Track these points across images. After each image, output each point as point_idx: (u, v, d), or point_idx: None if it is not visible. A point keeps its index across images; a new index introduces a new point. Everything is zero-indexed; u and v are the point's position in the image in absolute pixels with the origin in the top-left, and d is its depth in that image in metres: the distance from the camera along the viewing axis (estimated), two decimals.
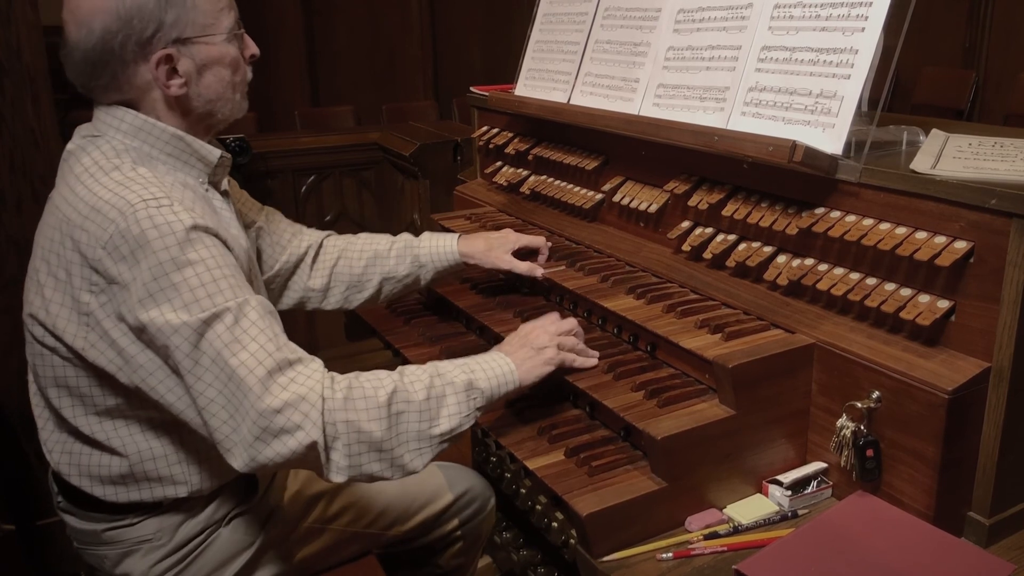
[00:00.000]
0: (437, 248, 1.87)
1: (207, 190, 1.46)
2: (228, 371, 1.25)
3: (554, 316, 1.57)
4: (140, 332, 1.28)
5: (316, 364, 1.33)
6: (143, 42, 1.33)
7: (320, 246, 1.88)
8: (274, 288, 1.86)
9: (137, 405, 1.37)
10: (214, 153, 1.46)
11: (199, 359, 1.26)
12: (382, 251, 1.88)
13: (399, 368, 1.40)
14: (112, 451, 1.41)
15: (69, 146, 1.42)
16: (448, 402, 1.36)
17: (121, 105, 1.39)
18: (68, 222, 1.31)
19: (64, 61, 1.37)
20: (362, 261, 1.87)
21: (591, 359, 1.54)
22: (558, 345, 1.50)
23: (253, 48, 1.50)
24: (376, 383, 1.34)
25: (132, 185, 1.30)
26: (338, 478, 1.31)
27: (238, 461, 1.28)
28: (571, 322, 1.56)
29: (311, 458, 1.29)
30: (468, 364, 1.43)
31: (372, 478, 1.34)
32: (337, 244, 1.90)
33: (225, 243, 1.35)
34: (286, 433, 1.25)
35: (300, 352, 1.33)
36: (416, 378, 1.37)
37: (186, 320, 1.25)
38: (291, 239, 1.84)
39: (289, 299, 1.88)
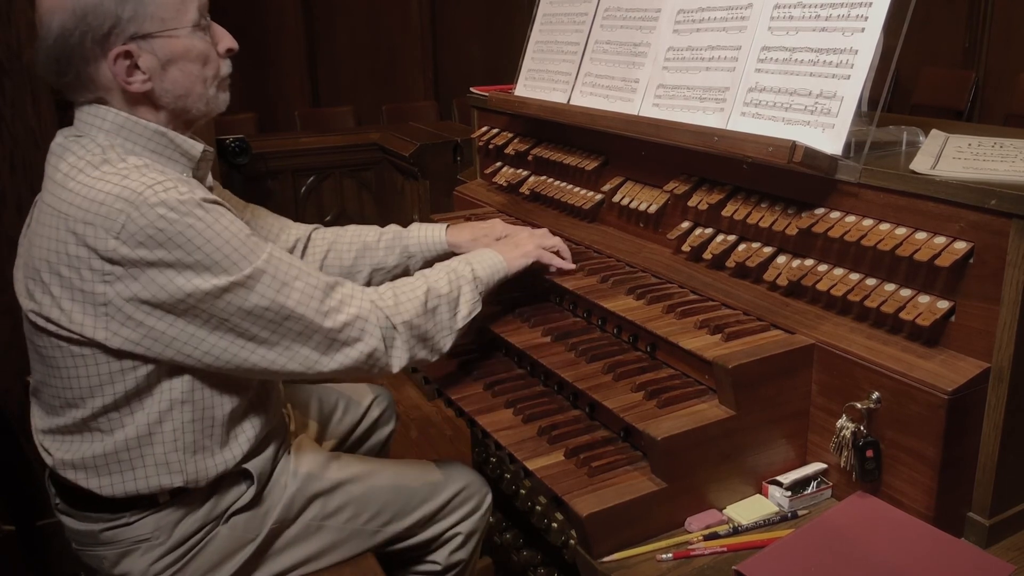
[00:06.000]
0: (426, 239, 1.91)
1: None
2: (285, 312, 1.39)
3: (541, 230, 1.85)
4: (175, 305, 1.33)
5: (350, 283, 1.52)
6: (100, 39, 1.32)
7: (308, 239, 1.90)
8: None
9: (147, 387, 1.39)
10: (197, 147, 1.46)
11: (252, 310, 1.36)
12: (371, 242, 1.91)
13: (419, 272, 1.65)
14: (108, 433, 1.41)
15: (52, 146, 1.42)
16: (464, 291, 1.62)
17: (97, 103, 1.39)
18: (67, 218, 1.31)
19: (35, 58, 1.38)
20: (351, 253, 1.90)
21: (568, 264, 1.80)
22: (538, 245, 1.77)
23: (228, 42, 1.47)
24: (411, 287, 1.57)
25: (131, 173, 1.31)
26: (397, 367, 1.54)
27: (299, 372, 1.45)
28: (554, 239, 1.82)
29: (370, 362, 1.50)
30: (467, 259, 1.69)
31: (419, 363, 1.59)
32: (326, 237, 1.92)
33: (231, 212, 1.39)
34: (347, 346, 1.46)
35: (328, 275, 1.50)
36: (438, 277, 1.61)
37: (233, 280, 1.33)
38: (278, 234, 1.86)
39: None
